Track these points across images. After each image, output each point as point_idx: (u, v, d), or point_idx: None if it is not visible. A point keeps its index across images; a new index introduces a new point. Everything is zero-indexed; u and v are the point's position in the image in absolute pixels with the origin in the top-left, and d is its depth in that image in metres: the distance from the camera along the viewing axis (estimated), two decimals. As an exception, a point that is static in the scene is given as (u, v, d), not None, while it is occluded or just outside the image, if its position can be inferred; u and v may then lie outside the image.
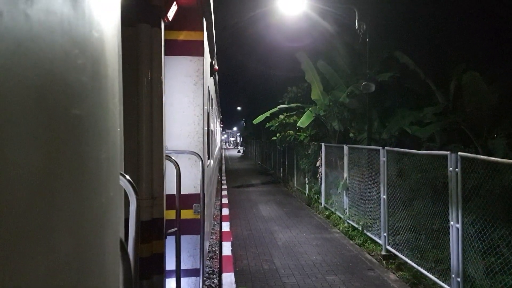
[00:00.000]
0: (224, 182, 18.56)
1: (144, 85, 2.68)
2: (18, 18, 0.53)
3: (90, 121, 0.80)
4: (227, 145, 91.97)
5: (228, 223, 9.74)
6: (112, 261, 0.96)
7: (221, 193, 14.90)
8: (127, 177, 1.52)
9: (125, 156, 1.40)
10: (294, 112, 12.90)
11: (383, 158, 7.43)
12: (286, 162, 18.55)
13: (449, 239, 5.33)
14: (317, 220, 10.31)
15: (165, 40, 2.87)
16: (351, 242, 8.13)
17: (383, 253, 7.26)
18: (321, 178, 12.15)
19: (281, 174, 19.88)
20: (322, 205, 11.74)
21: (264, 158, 28.97)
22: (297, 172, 16.00)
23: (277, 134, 14.32)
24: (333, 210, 10.66)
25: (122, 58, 1.16)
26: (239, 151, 56.89)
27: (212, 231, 9.46)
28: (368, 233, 8.17)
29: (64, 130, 0.68)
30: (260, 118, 12.60)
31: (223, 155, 44.08)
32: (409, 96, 10.71)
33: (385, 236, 7.32)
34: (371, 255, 7.37)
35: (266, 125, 14.27)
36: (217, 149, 15.56)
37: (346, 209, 9.62)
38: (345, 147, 9.74)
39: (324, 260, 6.89)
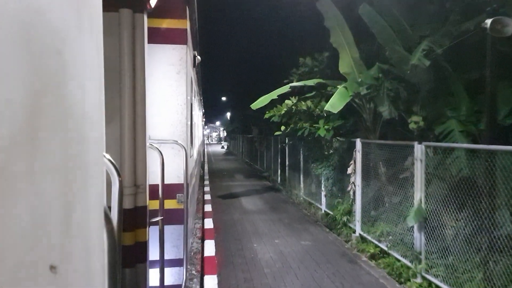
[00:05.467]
0: (207, 189, 14.30)
1: (127, 70, 2.56)
2: None
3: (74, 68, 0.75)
4: (209, 140, 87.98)
5: (215, 279, 5.55)
6: (96, 223, 0.91)
7: (203, 208, 10.67)
8: (108, 156, 1.38)
9: (107, 143, 1.32)
10: (312, 93, 8.71)
11: None
12: (287, 163, 14.42)
13: None
14: (364, 268, 6.19)
15: (148, 28, 2.77)
16: None
17: None
18: (354, 192, 8.08)
19: (279, 178, 15.73)
20: (357, 233, 7.71)
21: (254, 156, 24.75)
22: (305, 178, 11.90)
23: (282, 127, 10.12)
24: (383, 246, 6.61)
25: (104, 44, 1.02)
26: (223, 147, 54.40)
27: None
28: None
29: (49, 70, 0.65)
30: (263, 101, 8.33)
31: (205, 151, 39.72)
32: (503, 63, 6.68)
33: None
34: None
35: (266, 115, 10.05)
36: (199, 142, 14.91)
37: (421, 254, 5.56)
38: (418, 147, 5.66)
39: None
